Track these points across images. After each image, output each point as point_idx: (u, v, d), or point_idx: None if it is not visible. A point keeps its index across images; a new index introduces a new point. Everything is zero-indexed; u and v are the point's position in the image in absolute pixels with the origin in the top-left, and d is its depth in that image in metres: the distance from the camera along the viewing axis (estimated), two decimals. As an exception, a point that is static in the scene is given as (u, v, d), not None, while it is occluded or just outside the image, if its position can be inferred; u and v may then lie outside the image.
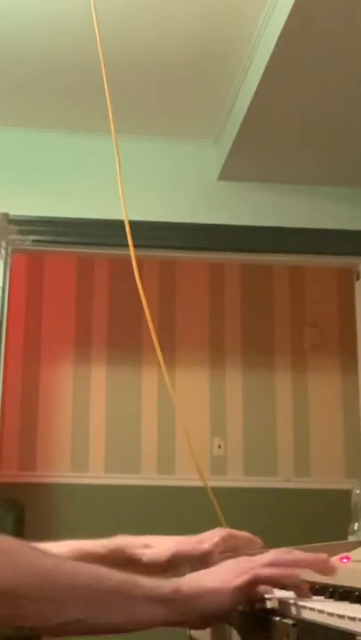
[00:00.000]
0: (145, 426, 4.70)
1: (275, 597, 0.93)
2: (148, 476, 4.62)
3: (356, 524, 1.83)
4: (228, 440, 4.74)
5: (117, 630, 0.89)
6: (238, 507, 4.23)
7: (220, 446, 4.72)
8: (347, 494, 1.97)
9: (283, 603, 0.92)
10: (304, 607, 0.86)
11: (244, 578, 0.93)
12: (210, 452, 4.68)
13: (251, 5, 2.93)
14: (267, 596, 0.94)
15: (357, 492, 1.86)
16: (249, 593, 0.93)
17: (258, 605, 0.94)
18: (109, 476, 4.59)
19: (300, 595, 0.96)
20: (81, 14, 2.89)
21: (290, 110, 3.29)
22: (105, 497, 4.52)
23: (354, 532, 1.84)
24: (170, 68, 3.31)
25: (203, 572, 0.99)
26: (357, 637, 0.71)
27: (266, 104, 3.23)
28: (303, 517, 4.49)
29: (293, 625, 0.82)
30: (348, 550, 1.17)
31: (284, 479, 4.71)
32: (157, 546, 1.20)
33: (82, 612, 0.86)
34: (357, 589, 0.91)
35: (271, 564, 0.96)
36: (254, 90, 3.13)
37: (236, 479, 4.63)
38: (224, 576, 0.94)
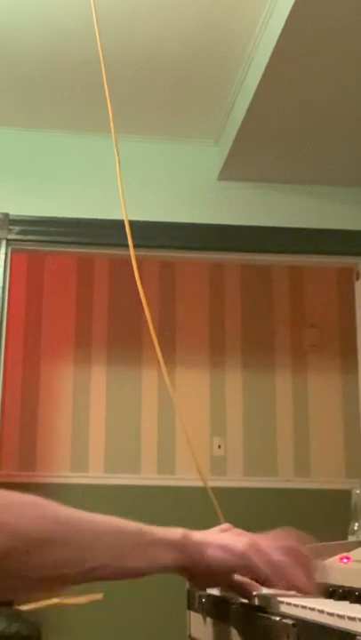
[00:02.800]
0: (145, 426, 4.70)
1: (263, 595, 0.96)
2: (148, 476, 4.61)
3: (356, 524, 1.83)
4: (228, 440, 4.74)
5: (137, 574, 0.96)
6: (238, 507, 4.23)
7: (220, 446, 4.72)
8: (347, 494, 1.97)
9: (268, 599, 0.95)
10: (304, 607, 0.86)
11: (250, 544, 0.99)
12: (210, 452, 4.68)
13: (251, 5, 2.93)
14: (255, 592, 0.99)
15: (357, 492, 1.86)
16: (253, 560, 0.98)
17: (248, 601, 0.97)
18: (109, 476, 4.59)
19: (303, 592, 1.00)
20: (81, 14, 2.89)
21: (290, 110, 3.29)
22: (105, 497, 4.52)
23: (354, 532, 1.84)
24: (170, 68, 3.31)
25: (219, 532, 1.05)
26: (357, 637, 0.71)
27: (266, 104, 3.23)
28: (303, 517, 4.48)
29: (293, 625, 0.82)
30: (348, 550, 1.17)
31: (284, 479, 4.71)
32: None
33: (107, 557, 0.93)
34: (357, 589, 0.91)
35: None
36: (254, 90, 3.13)
37: (236, 479, 4.63)
38: (232, 539, 1.00)
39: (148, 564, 0.95)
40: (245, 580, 1.04)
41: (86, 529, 0.93)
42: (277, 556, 1.00)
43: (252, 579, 1.02)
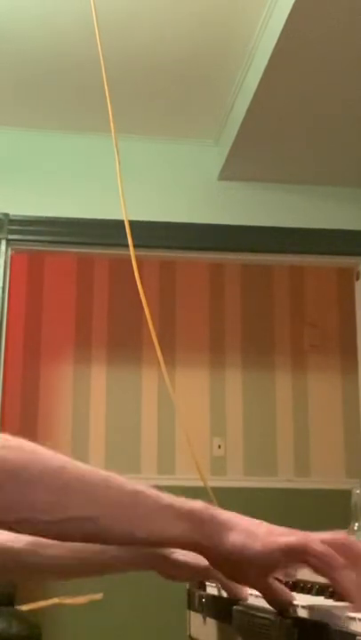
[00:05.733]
0: (145, 426, 4.70)
1: (302, 604, 0.84)
2: (148, 476, 4.61)
3: (356, 524, 1.83)
4: (228, 440, 4.74)
5: (133, 540, 0.82)
6: (238, 507, 4.21)
7: (220, 446, 4.72)
8: (347, 494, 1.97)
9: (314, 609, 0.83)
10: (303, 607, 0.86)
11: (291, 539, 0.80)
12: (210, 452, 4.68)
13: (251, 5, 2.93)
14: (295, 602, 0.83)
15: (357, 492, 1.86)
16: (283, 561, 0.80)
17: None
18: (109, 476, 4.58)
19: (352, 602, 0.79)
20: (81, 14, 2.89)
21: (290, 110, 3.29)
22: (105, 497, 4.51)
23: (354, 532, 1.84)
24: (170, 68, 3.31)
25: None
26: (357, 637, 0.71)
27: (266, 104, 3.23)
28: (303, 517, 4.48)
29: (293, 625, 0.82)
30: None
31: (284, 479, 4.71)
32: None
33: (93, 508, 0.78)
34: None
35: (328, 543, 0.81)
36: (254, 90, 3.13)
37: (236, 479, 4.63)
38: (269, 528, 0.82)
39: (149, 531, 0.80)
40: (278, 586, 0.86)
41: (70, 471, 0.80)
42: (328, 553, 0.79)
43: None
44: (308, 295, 4.98)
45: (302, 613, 0.86)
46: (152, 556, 1.13)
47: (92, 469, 0.82)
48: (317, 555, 0.79)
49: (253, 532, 0.81)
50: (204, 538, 0.81)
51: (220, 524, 0.82)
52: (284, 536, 0.81)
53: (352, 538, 0.87)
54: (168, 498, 0.83)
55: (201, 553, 0.84)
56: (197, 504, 0.83)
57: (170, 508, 0.81)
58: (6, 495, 0.76)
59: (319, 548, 0.80)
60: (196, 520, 0.81)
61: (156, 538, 0.81)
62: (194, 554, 1.04)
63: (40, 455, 0.81)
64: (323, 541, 0.81)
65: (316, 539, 0.81)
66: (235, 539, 0.81)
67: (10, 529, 0.81)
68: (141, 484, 0.84)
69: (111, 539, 0.82)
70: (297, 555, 0.80)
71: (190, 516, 0.81)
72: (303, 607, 0.86)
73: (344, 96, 3.18)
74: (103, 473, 0.82)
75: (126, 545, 0.88)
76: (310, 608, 0.85)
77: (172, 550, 1.11)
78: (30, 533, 0.87)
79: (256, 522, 0.84)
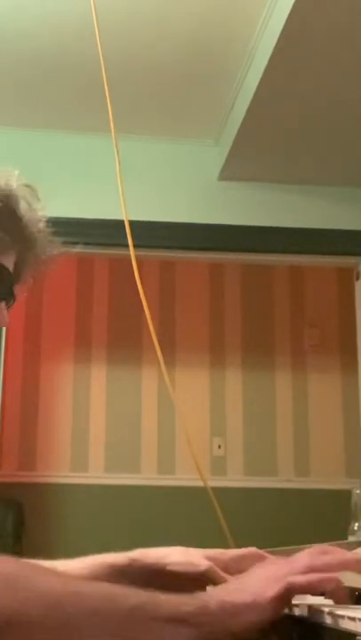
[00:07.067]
0: (145, 426, 4.70)
1: (304, 604, 0.85)
2: (148, 476, 4.62)
3: (357, 524, 1.83)
4: (228, 440, 4.74)
5: None
6: (238, 507, 4.23)
7: (220, 446, 4.72)
8: (347, 494, 1.97)
9: (313, 610, 0.85)
10: (303, 607, 0.86)
11: (278, 588, 0.80)
12: (210, 452, 4.68)
13: (251, 5, 2.93)
14: (294, 602, 0.85)
15: (357, 492, 1.86)
16: (285, 603, 0.81)
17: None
18: (109, 475, 4.59)
19: (338, 602, 0.85)
20: (81, 14, 2.89)
21: (290, 110, 3.28)
22: (105, 497, 4.52)
23: (354, 532, 1.84)
24: (170, 67, 3.31)
25: (231, 584, 0.88)
26: (357, 637, 0.71)
27: (266, 104, 3.23)
28: (303, 517, 4.49)
29: (293, 625, 0.82)
30: (348, 550, 1.17)
31: (284, 479, 4.71)
32: (186, 556, 1.06)
33: (95, 637, 0.73)
34: (357, 589, 0.91)
35: (307, 570, 0.83)
36: (254, 90, 3.13)
37: (236, 479, 4.63)
38: (255, 588, 0.81)
39: None
40: (332, 589, 0.86)
41: (69, 603, 0.73)
42: (305, 560, 0.84)
43: None
44: (308, 295, 4.98)
45: (302, 613, 0.86)
46: (150, 573, 1.11)
47: (87, 589, 0.76)
48: (303, 588, 0.81)
49: (247, 604, 0.79)
50: (210, 635, 0.77)
51: (218, 615, 0.78)
52: (270, 588, 0.80)
53: (333, 547, 0.89)
54: (165, 603, 0.77)
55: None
56: (193, 603, 0.77)
57: (171, 619, 0.76)
58: None
59: (301, 581, 0.81)
60: (197, 622, 0.76)
61: None
62: (188, 560, 1.04)
63: (28, 590, 0.73)
64: (303, 569, 0.82)
65: (295, 570, 0.83)
66: (237, 623, 0.78)
67: None
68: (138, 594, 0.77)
69: None
70: (288, 596, 0.81)
71: (191, 620, 0.76)
72: (303, 607, 0.86)
73: (344, 96, 3.18)
74: (100, 591, 0.76)
75: None
76: (310, 608, 0.85)
77: (166, 562, 1.09)
78: None
79: (240, 586, 0.82)
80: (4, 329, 3.59)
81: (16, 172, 1.10)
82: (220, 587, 0.88)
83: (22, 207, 1.15)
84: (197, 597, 0.79)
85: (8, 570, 0.74)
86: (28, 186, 1.12)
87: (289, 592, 0.80)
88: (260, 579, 0.82)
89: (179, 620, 0.75)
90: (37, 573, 0.75)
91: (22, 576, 0.74)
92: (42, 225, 1.14)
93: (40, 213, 1.12)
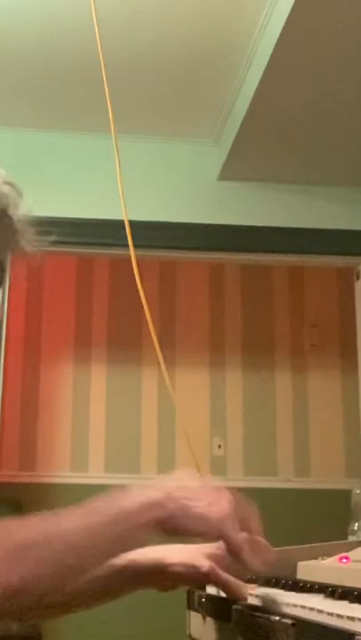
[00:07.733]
0: (145, 426, 4.70)
1: (260, 595, 0.93)
2: (148, 476, 4.61)
3: (356, 524, 1.84)
4: (228, 440, 4.74)
5: (123, 549, 0.93)
6: (238, 507, 4.22)
7: (220, 446, 4.72)
8: (347, 494, 1.97)
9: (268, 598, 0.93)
10: (303, 607, 0.86)
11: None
12: (210, 452, 4.68)
13: (251, 5, 2.93)
14: (251, 592, 0.95)
15: (357, 492, 1.86)
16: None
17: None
18: (109, 476, 4.59)
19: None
20: (81, 14, 2.89)
21: (290, 110, 3.29)
22: (105, 497, 4.52)
23: (354, 532, 1.84)
24: (170, 68, 3.31)
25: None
26: (357, 637, 0.71)
27: (266, 104, 3.23)
28: (303, 517, 4.49)
29: (293, 625, 0.82)
30: (348, 550, 1.17)
31: (284, 479, 4.71)
32: (185, 554, 1.13)
33: (90, 560, 0.89)
34: (357, 589, 0.91)
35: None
36: (254, 90, 3.13)
37: (236, 479, 4.63)
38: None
39: (138, 545, 0.93)
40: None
41: (57, 540, 0.88)
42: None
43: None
44: (308, 295, 4.98)
45: (301, 613, 0.86)
46: (149, 574, 1.12)
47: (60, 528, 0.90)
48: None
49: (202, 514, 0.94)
50: (174, 513, 0.92)
51: (179, 501, 0.94)
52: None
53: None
54: (130, 508, 0.93)
55: (170, 532, 0.92)
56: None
57: (139, 519, 0.91)
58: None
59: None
60: (159, 501, 0.93)
61: (141, 545, 0.94)
62: (190, 560, 1.05)
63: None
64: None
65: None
66: (194, 514, 0.95)
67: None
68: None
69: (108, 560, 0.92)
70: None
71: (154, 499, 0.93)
72: (301, 607, 0.86)
73: (344, 96, 3.18)
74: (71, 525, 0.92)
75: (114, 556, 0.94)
76: (308, 607, 0.85)
77: (167, 563, 1.10)
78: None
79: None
80: (4, 329, 3.59)
81: (1, 171, 1.12)
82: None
83: (10, 206, 1.16)
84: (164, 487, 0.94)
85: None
86: (9, 183, 1.13)
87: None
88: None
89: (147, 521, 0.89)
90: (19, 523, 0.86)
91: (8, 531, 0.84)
92: (27, 222, 1.15)
93: (25, 210, 1.13)
